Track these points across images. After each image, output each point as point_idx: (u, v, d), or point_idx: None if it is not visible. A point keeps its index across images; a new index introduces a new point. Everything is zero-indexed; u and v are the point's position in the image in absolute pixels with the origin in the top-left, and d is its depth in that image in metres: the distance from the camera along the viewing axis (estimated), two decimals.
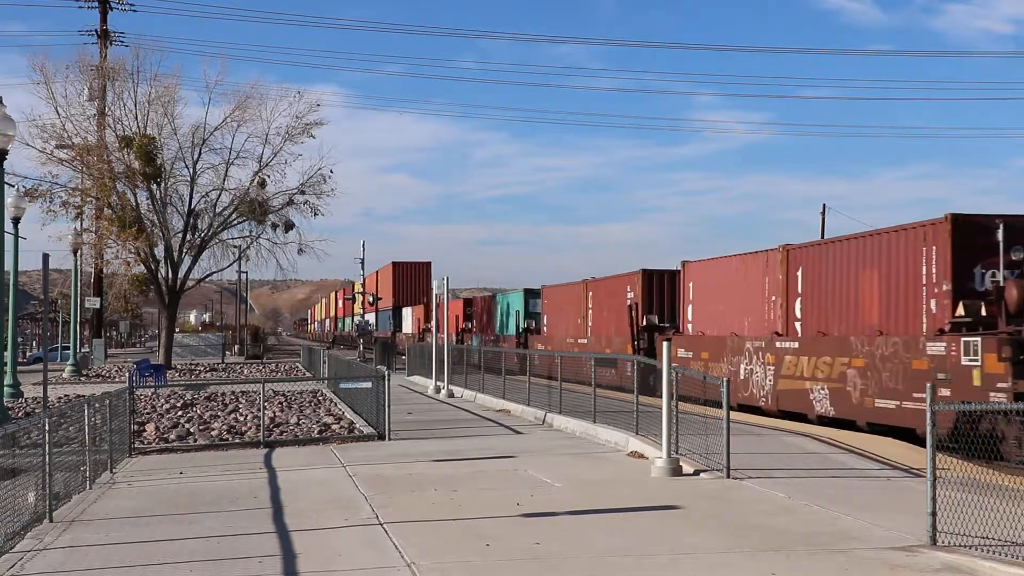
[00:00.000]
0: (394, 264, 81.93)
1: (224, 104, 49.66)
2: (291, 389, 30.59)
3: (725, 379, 14.23)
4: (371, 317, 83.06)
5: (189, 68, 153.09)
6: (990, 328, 16.24)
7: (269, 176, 48.26)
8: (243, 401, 27.11)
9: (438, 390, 31.69)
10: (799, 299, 22.84)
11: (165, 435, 20.05)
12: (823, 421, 20.51)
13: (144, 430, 20.41)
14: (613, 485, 13.47)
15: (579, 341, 37.25)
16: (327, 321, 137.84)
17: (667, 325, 30.47)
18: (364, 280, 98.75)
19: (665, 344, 14.74)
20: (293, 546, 9.96)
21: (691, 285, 28.29)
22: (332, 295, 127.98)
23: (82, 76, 46.18)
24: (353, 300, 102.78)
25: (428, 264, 79.68)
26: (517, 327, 44.33)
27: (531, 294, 44.83)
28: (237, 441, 19.40)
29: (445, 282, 34.82)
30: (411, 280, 79.77)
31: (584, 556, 9.33)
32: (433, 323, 35.73)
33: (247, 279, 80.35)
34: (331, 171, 48.96)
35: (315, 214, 49.12)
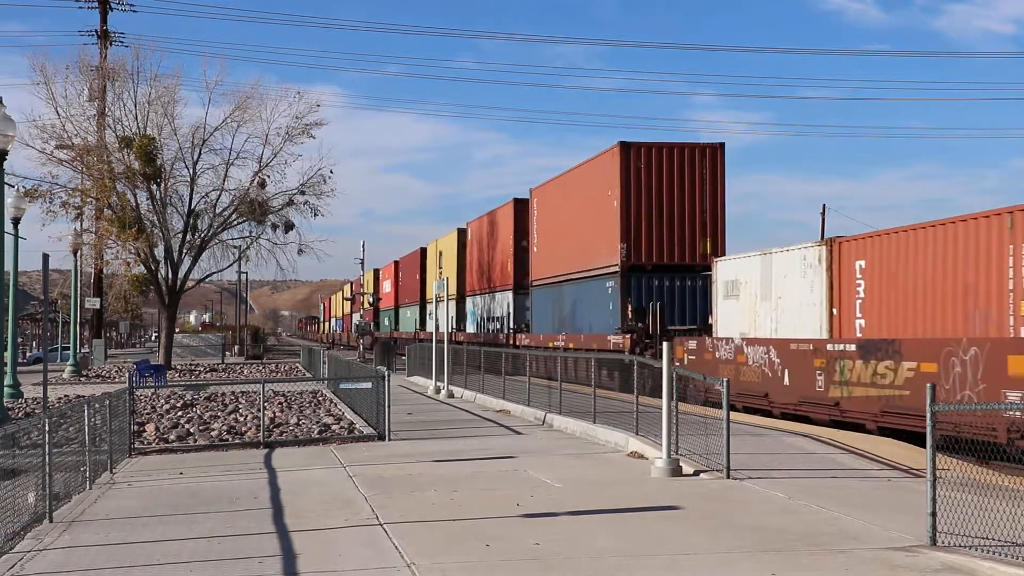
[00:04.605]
0: (624, 147, 30.87)
1: (224, 104, 49.80)
2: (291, 389, 30.60)
3: (724, 379, 14.22)
4: (535, 298, 39.38)
5: (189, 68, 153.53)
6: None
7: (269, 176, 48.27)
8: (243, 401, 27.12)
9: (438, 390, 31.69)
10: None
11: (165, 435, 20.05)
12: None
13: (144, 430, 20.42)
14: (613, 485, 13.47)
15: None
16: (356, 316, 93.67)
17: None
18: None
19: (666, 345, 14.72)
20: (293, 546, 9.96)
21: None
22: (371, 274, 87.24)
23: (82, 76, 46.17)
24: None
25: (720, 146, 31.09)
26: None
27: None
28: (237, 441, 19.40)
29: (445, 283, 34.83)
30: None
31: (584, 556, 9.33)
32: (434, 322, 35.67)
33: (247, 279, 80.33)
34: (331, 171, 48.94)
35: (315, 214, 49.14)
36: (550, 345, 35.93)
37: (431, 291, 56.76)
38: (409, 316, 66.34)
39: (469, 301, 51.30)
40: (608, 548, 9.65)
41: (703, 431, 14.71)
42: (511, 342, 41.17)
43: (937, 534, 9.40)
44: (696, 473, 13.89)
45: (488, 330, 46.96)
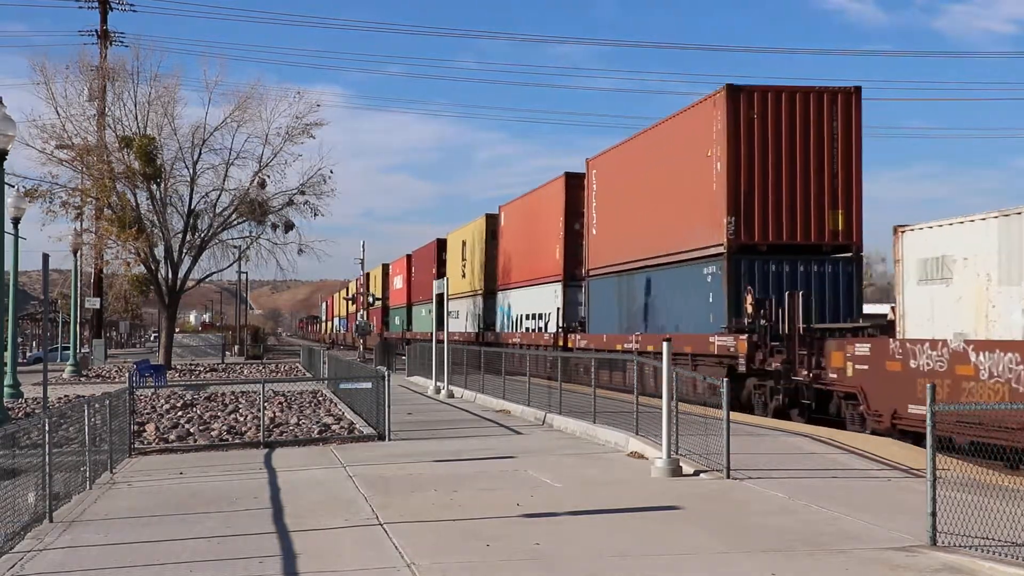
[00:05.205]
0: (732, 92, 24.32)
1: (224, 104, 49.77)
2: (291, 389, 30.59)
3: (724, 379, 14.21)
4: None
5: (189, 68, 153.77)
6: None
7: (269, 176, 48.25)
8: (243, 401, 27.11)
9: (438, 390, 31.69)
10: None
11: (165, 435, 20.05)
12: None
13: (144, 430, 20.41)
14: (613, 485, 13.47)
15: None
16: (361, 315, 76.71)
17: None
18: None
19: (665, 344, 14.71)
20: (293, 546, 9.96)
21: None
22: (379, 270, 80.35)
23: (82, 76, 46.18)
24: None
25: (855, 91, 24.78)
26: None
27: None
28: (237, 441, 19.40)
29: (445, 283, 34.84)
30: None
31: (584, 556, 9.33)
32: (434, 321, 35.60)
33: (247, 279, 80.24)
34: (331, 171, 48.91)
35: (315, 214, 49.08)
36: (618, 347, 29.42)
37: (452, 286, 51.56)
38: (424, 315, 58.30)
39: (501, 296, 44.48)
40: (608, 548, 9.65)
41: (703, 431, 14.70)
42: (561, 344, 34.96)
43: (937, 534, 9.40)
44: (696, 473, 13.88)
45: (527, 329, 39.93)
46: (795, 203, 24.18)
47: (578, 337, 34.19)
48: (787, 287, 23.10)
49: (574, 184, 35.96)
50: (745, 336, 22.21)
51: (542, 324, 38.41)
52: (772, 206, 24.13)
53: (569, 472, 14.61)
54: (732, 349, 22.63)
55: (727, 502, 11.98)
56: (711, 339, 23.97)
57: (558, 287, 36.60)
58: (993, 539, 9.04)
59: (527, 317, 40.52)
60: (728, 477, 13.35)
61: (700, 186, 25.32)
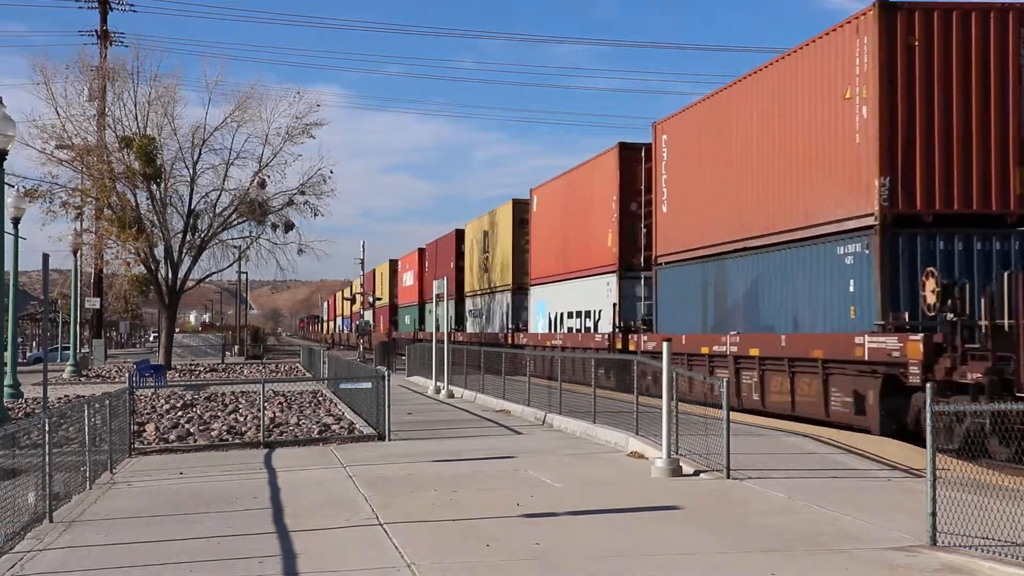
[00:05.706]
0: (886, 9, 18.12)
1: (224, 104, 49.86)
2: (291, 389, 30.59)
3: (724, 379, 14.20)
4: None
5: (189, 68, 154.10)
6: None
7: (269, 176, 48.28)
8: (243, 401, 27.11)
9: (438, 390, 31.69)
10: None
11: (165, 435, 20.06)
12: None
13: (144, 430, 20.42)
14: (613, 485, 13.47)
15: None
16: (368, 315, 78.17)
17: None
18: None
19: (665, 344, 14.71)
20: (293, 546, 9.97)
21: None
22: (386, 266, 79.03)
23: (82, 76, 46.22)
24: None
25: None
26: None
27: None
28: (237, 441, 19.40)
29: (444, 283, 34.84)
30: None
31: (584, 556, 9.33)
32: (434, 321, 35.58)
33: (247, 279, 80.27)
34: (331, 171, 48.92)
35: (315, 214, 49.10)
36: (703, 351, 24.10)
37: (473, 282, 49.36)
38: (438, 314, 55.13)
39: (534, 293, 39.73)
40: (608, 548, 9.66)
41: (703, 431, 14.70)
42: (619, 347, 29.59)
43: (937, 534, 9.40)
44: (696, 473, 13.88)
45: (569, 330, 34.89)
46: (969, 160, 18.30)
47: (644, 339, 28.21)
48: (959, 270, 17.87)
49: (630, 156, 30.44)
50: (920, 336, 16.42)
51: (590, 324, 33.17)
52: (940, 164, 18.28)
53: (569, 472, 14.62)
54: (896, 353, 16.92)
55: (727, 502, 11.98)
56: (858, 340, 18.06)
57: (611, 279, 31.24)
58: (993, 539, 9.04)
59: (569, 316, 35.36)
60: (728, 477, 13.35)
61: (834, 140, 19.66)
